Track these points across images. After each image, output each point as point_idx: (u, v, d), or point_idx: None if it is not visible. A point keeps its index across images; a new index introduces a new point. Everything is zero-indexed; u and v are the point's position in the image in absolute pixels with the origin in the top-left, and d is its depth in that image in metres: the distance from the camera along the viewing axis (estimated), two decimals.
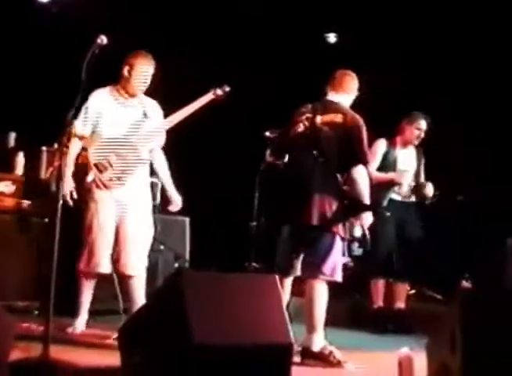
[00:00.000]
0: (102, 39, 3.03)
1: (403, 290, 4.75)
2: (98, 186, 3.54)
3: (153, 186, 3.88)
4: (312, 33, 6.10)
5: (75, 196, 3.51)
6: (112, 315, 3.96)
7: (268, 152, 3.59)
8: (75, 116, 3.18)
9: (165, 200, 3.95)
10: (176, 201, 3.81)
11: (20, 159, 4.46)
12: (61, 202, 2.90)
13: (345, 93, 3.54)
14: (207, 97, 3.63)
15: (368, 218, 3.41)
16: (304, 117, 3.42)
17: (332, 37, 6.34)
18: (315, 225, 3.33)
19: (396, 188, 4.65)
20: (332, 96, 3.53)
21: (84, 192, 3.56)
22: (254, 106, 5.89)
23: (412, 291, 5.41)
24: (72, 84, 3.02)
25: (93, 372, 2.75)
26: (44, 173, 4.38)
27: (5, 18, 5.32)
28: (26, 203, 4.28)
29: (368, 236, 3.39)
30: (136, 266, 3.59)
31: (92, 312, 3.77)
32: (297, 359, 3.17)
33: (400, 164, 4.70)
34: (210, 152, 6.24)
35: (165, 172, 3.79)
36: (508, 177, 5.53)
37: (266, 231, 4.02)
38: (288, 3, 5.80)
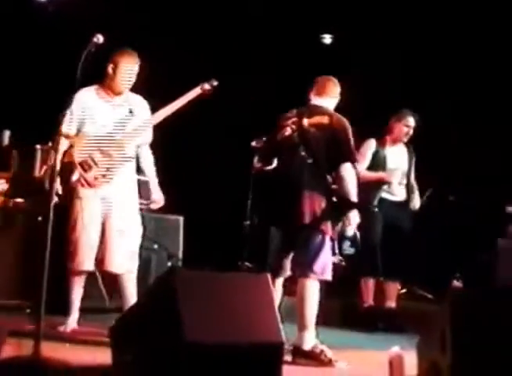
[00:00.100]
0: (99, 38, 3.03)
1: (394, 289, 4.78)
2: (83, 185, 3.54)
3: (147, 184, 3.86)
4: (307, 34, 6.12)
5: (59, 192, 3.48)
6: (104, 313, 3.97)
7: (255, 159, 3.65)
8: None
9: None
10: (158, 200, 3.78)
11: (15, 157, 4.47)
12: (55, 200, 2.90)
13: (329, 97, 3.61)
14: (195, 92, 3.62)
15: (355, 217, 3.44)
16: (290, 121, 3.48)
17: (327, 39, 6.36)
18: (306, 224, 3.36)
19: (386, 187, 4.68)
20: (316, 100, 3.60)
21: (69, 190, 3.55)
22: (249, 105, 5.90)
23: (403, 290, 5.45)
24: (67, 82, 3.03)
25: (85, 370, 2.75)
26: (38, 171, 4.38)
27: (1, 16, 5.31)
28: (16, 201, 4.28)
29: (358, 235, 3.42)
30: (123, 264, 3.57)
31: (85, 310, 3.77)
32: (288, 358, 3.18)
33: (390, 163, 4.72)
34: (204, 151, 6.24)
35: (151, 170, 3.77)
36: (499, 177, 5.57)
37: (259, 230, 4.04)
38: (282, 4, 5.82)
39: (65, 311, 3.63)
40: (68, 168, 3.53)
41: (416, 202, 4.79)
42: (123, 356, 2.56)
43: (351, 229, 3.46)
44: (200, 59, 5.67)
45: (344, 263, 4.12)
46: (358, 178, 3.53)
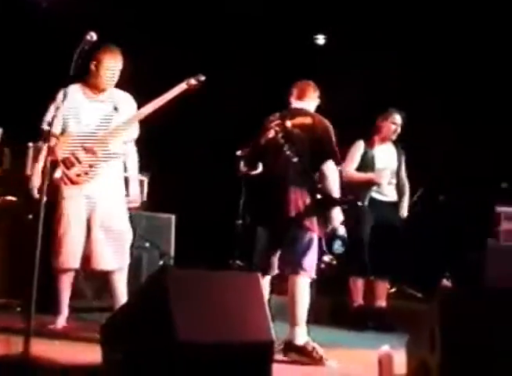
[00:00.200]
0: (92, 36, 3.03)
1: (383, 288, 4.80)
2: (65, 183, 3.53)
3: (140, 182, 3.84)
4: (300, 35, 6.13)
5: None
6: (95, 312, 3.96)
7: (241, 163, 3.70)
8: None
9: (152, 197, 3.94)
10: (135, 199, 3.74)
11: (7, 155, 4.45)
12: (45, 199, 2.90)
13: (309, 99, 3.70)
14: (180, 87, 3.60)
15: (338, 214, 3.49)
16: (273, 124, 3.55)
17: (321, 39, 6.38)
18: (291, 219, 3.42)
19: (375, 187, 4.71)
20: (297, 104, 3.69)
21: (53, 189, 3.52)
22: (243, 105, 5.91)
23: (393, 290, 5.47)
24: (60, 80, 3.02)
25: (74, 369, 2.74)
26: (29, 169, 4.37)
27: None
28: (6, 199, 4.26)
29: (345, 235, 3.47)
30: (111, 262, 3.55)
31: (76, 309, 3.76)
32: (278, 356, 3.19)
33: (378, 163, 4.75)
34: (197, 149, 6.25)
35: (133, 167, 3.74)
36: (488, 178, 5.61)
37: (251, 229, 4.06)
38: (275, 5, 5.82)
39: (55, 310, 3.62)
40: (51, 165, 3.51)
41: (404, 211, 4.84)
42: (113, 354, 2.56)
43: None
44: (189, 57, 5.66)
45: (335, 262, 4.14)
46: (342, 177, 3.62)
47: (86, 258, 3.53)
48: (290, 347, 3.34)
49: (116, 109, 3.62)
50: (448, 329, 2.38)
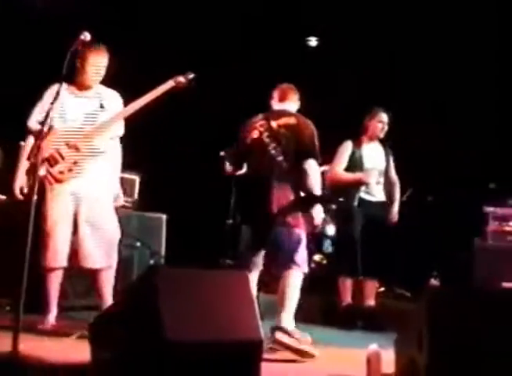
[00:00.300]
0: (86, 35, 3.02)
1: (372, 287, 4.82)
2: (50, 182, 3.50)
3: (131, 182, 3.83)
4: (293, 37, 6.15)
5: (25, 191, 3.45)
6: (85, 310, 3.96)
7: (226, 164, 3.74)
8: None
9: (143, 196, 3.93)
10: (116, 197, 3.71)
11: None
12: (35, 198, 2.89)
13: (291, 102, 3.77)
14: (168, 84, 3.59)
15: (319, 214, 3.53)
16: (258, 124, 3.61)
17: (313, 41, 6.40)
18: (275, 217, 3.46)
19: (364, 187, 4.74)
20: (279, 106, 3.76)
21: (38, 187, 3.51)
22: (234, 106, 5.91)
23: (382, 289, 5.50)
24: (52, 79, 3.01)
25: (63, 367, 2.74)
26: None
27: None
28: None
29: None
30: (98, 259, 3.53)
31: (65, 308, 3.75)
32: (266, 355, 3.20)
33: (366, 163, 4.78)
34: (187, 149, 6.25)
35: (116, 163, 3.71)
36: (476, 178, 5.65)
37: (241, 229, 4.07)
38: (267, 6, 5.84)
39: (44, 309, 3.60)
40: (36, 164, 3.49)
41: (395, 216, 4.85)
42: (102, 353, 2.56)
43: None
44: (180, 56, 5.67)
45: (325, 261, 4.15)
46: (322, 174, 3.68)
47: (73, 254, 3.51)
48: (278, 329, 3.34)
49: (102, 106, 3.61)
50: (436, 328, 2.39)
